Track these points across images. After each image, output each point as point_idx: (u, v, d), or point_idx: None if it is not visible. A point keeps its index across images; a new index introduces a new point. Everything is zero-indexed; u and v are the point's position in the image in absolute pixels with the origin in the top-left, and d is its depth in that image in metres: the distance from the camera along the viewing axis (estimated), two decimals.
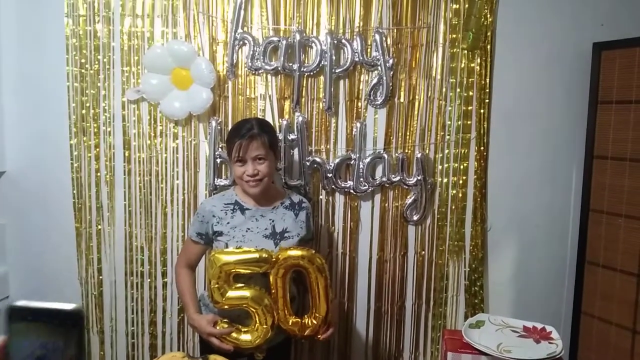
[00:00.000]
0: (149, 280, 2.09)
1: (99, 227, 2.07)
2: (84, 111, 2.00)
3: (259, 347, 1.57)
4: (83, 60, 1.97)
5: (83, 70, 1.98)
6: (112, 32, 1.96)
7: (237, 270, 1.51)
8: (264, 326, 1.54)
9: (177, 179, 2.03)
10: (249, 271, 1.52)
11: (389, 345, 2.13)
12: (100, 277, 2.10)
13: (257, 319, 1.54)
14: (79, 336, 0.48)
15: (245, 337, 1.56)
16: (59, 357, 0.47)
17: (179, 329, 2.12)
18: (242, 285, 1.53)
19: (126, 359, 2.15)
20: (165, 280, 2.09)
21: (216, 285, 1.51)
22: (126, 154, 2.02)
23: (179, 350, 2.12)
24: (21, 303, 0.48)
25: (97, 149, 2.03)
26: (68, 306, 0.48)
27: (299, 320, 1.60)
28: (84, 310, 0.48)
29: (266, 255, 1.52)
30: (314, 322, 1.58)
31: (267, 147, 1.61)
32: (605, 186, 1.92)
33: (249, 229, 1.63)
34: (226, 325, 1.57)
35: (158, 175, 2.03)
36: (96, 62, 1.97)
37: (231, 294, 1.52)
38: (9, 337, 0.47)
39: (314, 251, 1.57)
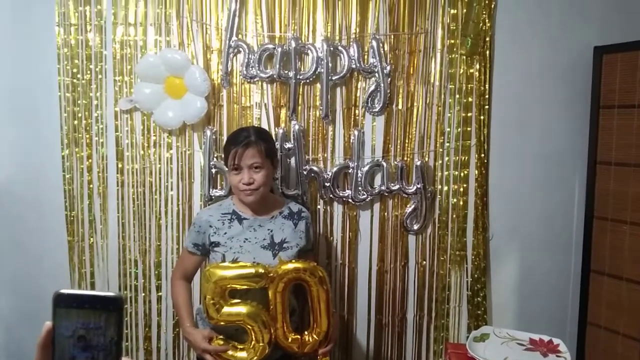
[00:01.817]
0: (143, 294, 2.04)
1: (92, 240, 2.03)
2: (76, 122, 1.96)
3: None
4: (75, 70, 1.93)
5: (75, 80, 1.94)
6: (104, 41, 1.93)
7: (233, 285, 1.46)
8: (260, 344, 1.48)
9: (172, 190, 1.99)
10: (245, 287, 1.47)
11: (390, 357, 2.07)
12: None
13: (253, 336, 1.49)
14: (119, 319, 0.51)
15: (241, 354, 1.51)
16: (100, 337, 0.51)
17: (174, 344, 2.06)
18: (238, 301, 1.48)
19: None
20: (160, 294, 2.04)
21: (211, 301, 1.46)
22: (119, 165, 1.98)
23: None
24: (67, 291, 0.52)
25: (90, 160, 1.98)
26: (110, 293, 0.52)
27: (299, 337, 1.54)
28: (123, 298, 0.51)
29: (262, 271, 1.47)
30: (315, 337, 1.53)
31: (264, 155, 1.57)
32: (610, 192, 1.88)
33: (246, 239, 1.59)
34: (222, 342, 1.52)
35: (152, 186, 1.99)
36: (88, 72, 1.94)
37: (227, 310, 1.47)
38: (54, 321, 0.52)
39: (315, 263, 1.52)
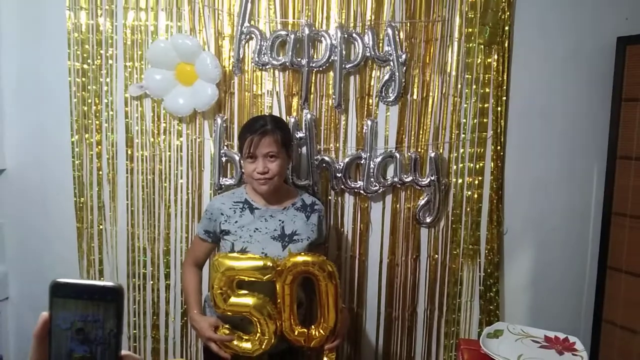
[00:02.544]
0: (151, 282, 2.03)
1: (101, 227, 2.01)
2: (85, 107, 1.94)
3: (259, 356, 1.50)
4: (85, 55, 1.91)
5: (85, 66, 1.92)
6: (115, 25, 1.90)
7: (241, 276, 1.44)
8: (266, 336, 1.46)
9: (181, 178, 1.97)
10: (253, 278, 1.44)
11: (400, 352, 2.04)
12: (102, 278, 2.04)
13: (258, 328, 1.47)
14: (118, 311, 0.50)
15: (246, 345, 1.49)
16: (99, 330, 0.50)
17: (182, 332, 2.05)
18: (246, 292, 1.46)
19: None
20: (168, 282, 2.02)
21: (219, 291, 1.44)
22: (129, 152, 1.96)
23: (181, 355, 2.06)
24: (64, 280, 0.50)
25: (99, 147, 1.97)
26: (108, 283, 0.50)
27: (306, 330, 1.52)
28: (123, 288, 0.48)
29: (271, 264, 1.44)
30: (322, 332, 1.50)
31: (280, 144, 1.55)
32: (629, 188, 1.82)
33: (257, 229, 1.57)
34: (227, 332, 1.50)
35: (161, 174, 1.96)
36: (98, 57, 1.91)
37: (233, 300, 1.45)
38: (51, 312, 0.50)
39: (324, 257, 1.49)
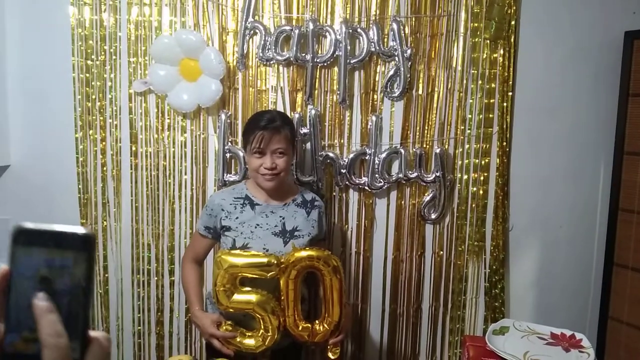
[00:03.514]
0: (155, 278, 2.03)
1: (105, 223, 2.01)
2: (89, 103, 1.93)
3: (262, 353, 1.49)
4: (89, 51, 1.90)
5: (89, 61, 1.91)
6: (119, 21, 1.89)
7: (244, 273, 1.44)
8: (269, 333, 1.46)
9: (185, 174, 1.96)
10: (256, 276, 1.44)
11: (405, 349, 2.04)
12: (106, 275, 2.04)
13: (262, 325, 1.46)
14: (89, 262, 0.44)
15: (249, 341, 1.48)
16: (67, 277, 0.43)
17: (187, 329, 2.05)
18: (249, 289, 1.46)
19: (133, 359, 2.09)
20: (173, 278, 2.02)
21: (222, 288, 1.43)
22: (133, 148, 1.95)
23: (186, 351, 2.06)
24: (29, 225, 0.44)
25: (103, 143, 1.96)
26: (79, 229, 0.44)
27: (309, 325, 1.51)
28: (95, 236, 0.44)
29: (275, 261, 1.43)
30: (326, 327, 1.49)
31: (289, 141, 1.55)
32: (636, 184, 1.81)
33: (258, 224, 1.56)
34: (230, 328, 1.49)
35: (166, 170, 1.96)
36: (102, 53, 1.91)
37: (237, 297, 1.44)
38: (12, 260, 0.43)
39: (329, 252, 1.48)
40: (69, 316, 0.44)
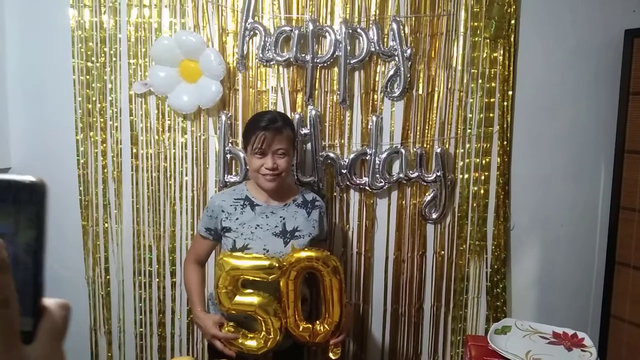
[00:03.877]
0: (157, 280, 2.03)
1: (106, 225, 2.01)
2: (90, 105, 1.94)
3: (264, 354, 1.49)
4: (89, 53, 1.91)
5: (89, 63, 1.91)
6: (119, 23, 1.89)
7: (246, 276, 1.44)
8: (271, 335, 1.46)
9: (186, 175, 1.96)
10: (258, 278, 1.44)
11: (406, 349, 2.04)
12: (108, 276, 2.04)
13: (263, 327, 1.46)
14: (38, 217, 0.37)
15: (251, 343, 1.48)
16: (9, 243, 0.36)
17: (188, 330, 2.05)
18: (251, 291, 1.46)
19: None
20: (174, 280, 2.02)
21: (224, 290, 1.43)
22: (134, 150, 1.95)
23: (187, 352, 2.06)
24: None
25: (104, 145, 1.96)
26: (24, 177, 0.37)
27: (310, 326, 1.51)
28: (46, 185, 0.36)
29: (277, 264, 1.43)
30: (327, 327, 1.49)
31: (291, 141, 1.55)
32: (637, 182, 1.80)
33: (258, 225, 1.56)
34: (232, 330, 1.49)
35: (166, 171, 1.96)
36: (102, 55, 1.91)
37: (239, 299, 1.44)
38: None
39: (328, 252, 1.48)
40: (17, 285, 0.36)
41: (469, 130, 1.89)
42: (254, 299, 1.44)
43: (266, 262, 1.43)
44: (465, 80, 1.86)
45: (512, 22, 1.83)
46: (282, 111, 1.86)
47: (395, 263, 1.98)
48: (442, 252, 1.96)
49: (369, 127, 1.88)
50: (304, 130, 1.87)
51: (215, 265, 1.50)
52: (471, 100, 1.87)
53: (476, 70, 1.86)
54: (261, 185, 1.57)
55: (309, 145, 1.89)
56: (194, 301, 1.62)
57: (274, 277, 1.43)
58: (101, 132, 1.95)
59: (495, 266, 1.95)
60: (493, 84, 1.86)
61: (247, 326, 1.52)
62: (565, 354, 1.33)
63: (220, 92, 1.82)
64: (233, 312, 1.47)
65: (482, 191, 1.91)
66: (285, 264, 1.44)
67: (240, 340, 1.49)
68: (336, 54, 1.82)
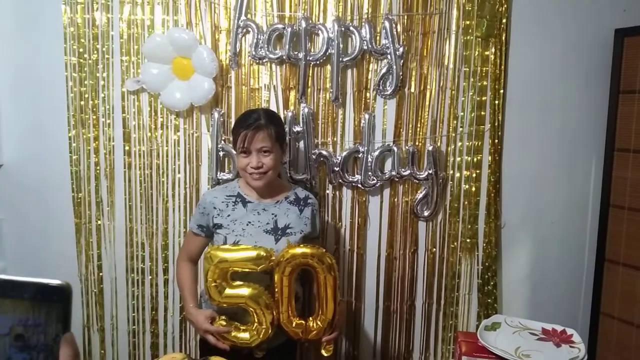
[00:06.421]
0: (150, 277, 2.03)
1: (99, 222, 2.01)
2: (82, 102, 1.93)
3: (257, 346, 1.50)
4: (81, 50, 1.90)
5: (81, 60, 1.91)
6: (111, 20, 1.89)
7: (234, 268, 1.44)
8: (263, 326, 1.46)
9: (179, 172, 1.96)
10: (247, 270, 1.45)
11: (398, 345, 2.05)
12: (101, 274, 2.04)
13: (255, 318, 1.47)
14: (64, 313, 0.44)
15: (244, 335, 1.49)
16: (40, 335, 0.44)
17: (181, 327, 2.06)
18: (241, 283, 1.46)
19: (127, 357, 2.09)
20: (167, 277, 2.02)
21: (213, 283, 1.44)
22: (126, 147, 1.95)
23: (180, 349, 2.06)
24: (3, 277, 0.45)
25: (97, 142, 1.96)
26: (53, 281, 0.44)
27: (303, 322, 1.52)
28: (71, 287, 0.44)
29: (264, 254, 1.44)
30: (320, 324, 1.50)
31: (273, 139, 1.54)
32: (627, 181, 1.82)
33: (249, 222, 1.57)
34: (224, 323, 1.50)
35: (159, 168, 1.96)
36: (95, 52, 1.90)
37: (228, 292, 1.45)
38: None
39: (324, 250, 1.49)
40: None
41: (460, 129, 1.90)
42: (245, 291, 1.45)
43: (254, 253, 1.43)
44: (457, 79, 1.87)
45: (504, 20, 1.84)
46: (275, 109, 1.87)
47: (387, 260, 1.99)
48: (434, 249, 1.98)
49: (362, 125, 1.89)
50: (297, 128, 1.88)
51: (204, 259, 1.50)
52: (463, 98, 1.88)
53: (468, 69, 1.87)
54: (249, 183, 1.58)
55: (301, 143, 1.89)
56: (186, 297, 1.63)
57: (263, 267, 1.44)
58: (94, 129, 1.95)
59: (486, 263, 1.96)
60: (485, 83, 1.87)
61: (240, 319, 1.52)
62: (554, 350, 1.35)
63: (213, 89, 1.82)
64: (224, 305, 1.47)
65: (473, 189, 1.93)
66: (273, 255, 1.45)
67: (232, 333, 1.49)
68: (329, 51, 1.82)
